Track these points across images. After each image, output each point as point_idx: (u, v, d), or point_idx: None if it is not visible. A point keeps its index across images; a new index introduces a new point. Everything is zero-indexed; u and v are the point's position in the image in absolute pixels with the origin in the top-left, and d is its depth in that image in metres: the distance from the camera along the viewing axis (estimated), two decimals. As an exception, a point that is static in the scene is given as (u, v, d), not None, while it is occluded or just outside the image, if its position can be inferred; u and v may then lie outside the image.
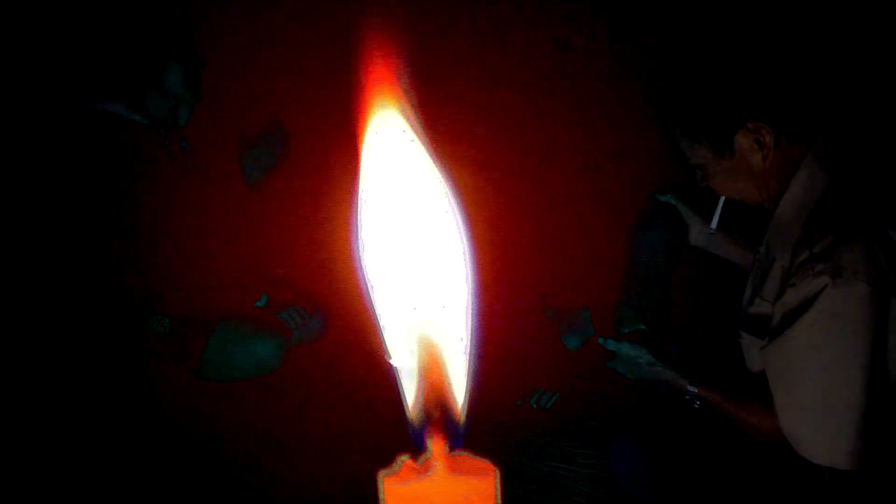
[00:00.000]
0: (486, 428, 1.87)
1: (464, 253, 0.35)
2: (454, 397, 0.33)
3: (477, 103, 3.13)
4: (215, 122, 2.23)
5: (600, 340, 1.58)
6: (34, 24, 2.12)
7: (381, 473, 0.32)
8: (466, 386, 0.34)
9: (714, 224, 1.57)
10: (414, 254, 0.35)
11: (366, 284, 0.36)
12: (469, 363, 0.34)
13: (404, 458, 0.33)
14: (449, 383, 0.33)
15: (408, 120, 0.40)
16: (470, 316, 0.34)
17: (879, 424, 1.13)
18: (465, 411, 0.33)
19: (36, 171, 1.93)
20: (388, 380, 0.34)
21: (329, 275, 2.37)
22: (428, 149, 0.38)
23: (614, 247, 2.83)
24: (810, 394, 1.15)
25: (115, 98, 1.92)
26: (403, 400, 0.33)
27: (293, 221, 2.67)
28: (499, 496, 0.32)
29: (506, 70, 3.16)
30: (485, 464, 0.32)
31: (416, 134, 0.39)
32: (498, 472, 0.32)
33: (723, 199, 1.46)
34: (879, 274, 1.09)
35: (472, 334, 0.34)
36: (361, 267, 0.36)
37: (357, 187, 0.39)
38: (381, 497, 0.33)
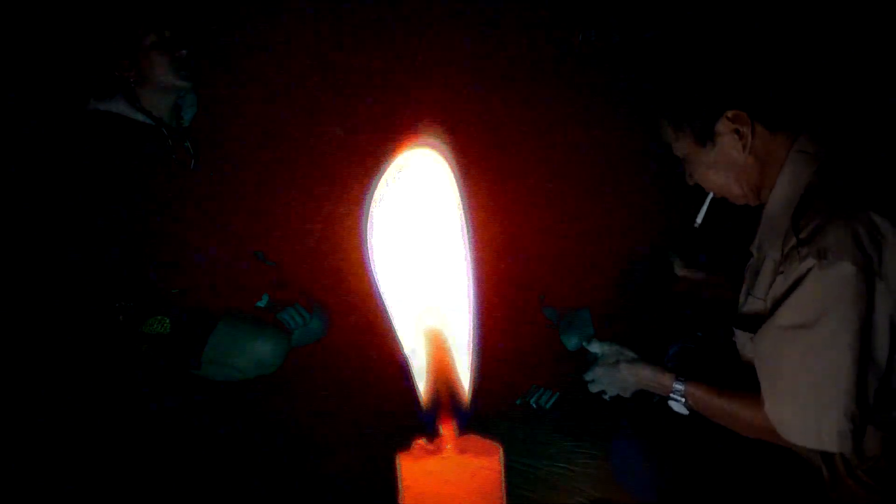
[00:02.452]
0: (486, 426, 1.89)
1: (466, 250, 0.38)
2: (461, 386, 0.37)
3: (476, 105, 3.15)
4: (219, 123, 2.25)
5: (584, 344, 1.60)
6: (27, 24, 2.13)
7: (399, 454, 0.36)
8: (471, 375, 0.38)
9: (699, 219, 1.59)
10: (422, 253, 0.38)
11: (376, 284, 0.39)
12: (472, 356, 0.38)
13: (419, 441, 0.37)
14: (456, 373, 0.37)
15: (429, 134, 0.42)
16: (472, 312, 0.37)
17: (869, 409, 1.15)
18: (470, 398, 0.37)
19: (38, 171, 1.95)
20: (400, 373, 0.38)
21: (333, 275, 2.40)
22: (437, 152, 0.41)
23: (614, 246, 2.86)
24: (797, 375, 1.16)
25: (114, 97, 1.92)
26: (416, 389, 0.37)
27: (295, 222, 2.69)
28: (503, 472, 0.36)
29: (505, 72, 3.18)
30: (490, 443, 0.37)
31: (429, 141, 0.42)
32: (502, 450, 0.36)
33: (710, 195, 1.48)
34: (864, 255, 1.11)
35: (474, 329, 0.38)
36: (371, 267, 0.39)
37: (362, 189, 0.42)
38: (399, 474, 0.37)
